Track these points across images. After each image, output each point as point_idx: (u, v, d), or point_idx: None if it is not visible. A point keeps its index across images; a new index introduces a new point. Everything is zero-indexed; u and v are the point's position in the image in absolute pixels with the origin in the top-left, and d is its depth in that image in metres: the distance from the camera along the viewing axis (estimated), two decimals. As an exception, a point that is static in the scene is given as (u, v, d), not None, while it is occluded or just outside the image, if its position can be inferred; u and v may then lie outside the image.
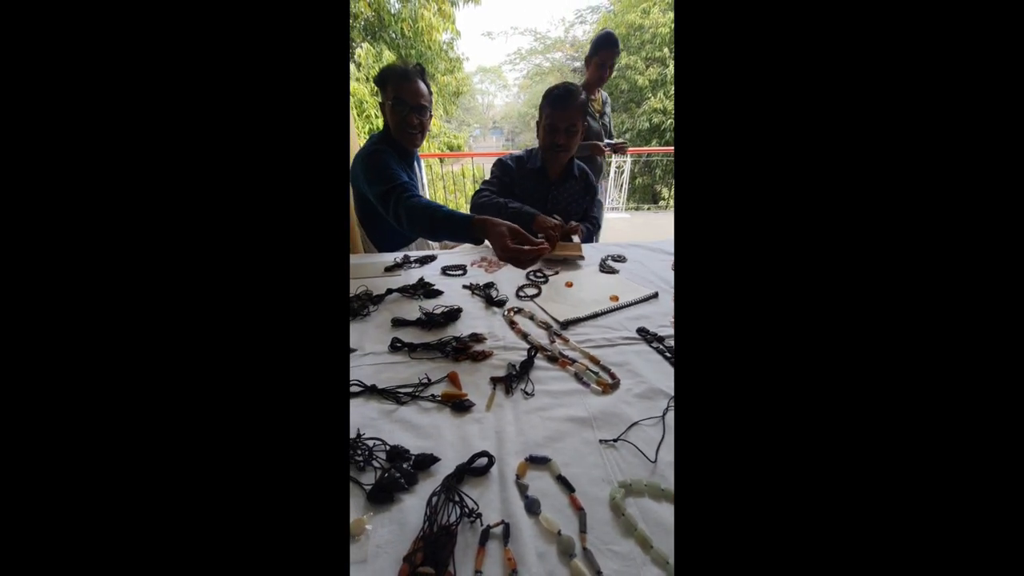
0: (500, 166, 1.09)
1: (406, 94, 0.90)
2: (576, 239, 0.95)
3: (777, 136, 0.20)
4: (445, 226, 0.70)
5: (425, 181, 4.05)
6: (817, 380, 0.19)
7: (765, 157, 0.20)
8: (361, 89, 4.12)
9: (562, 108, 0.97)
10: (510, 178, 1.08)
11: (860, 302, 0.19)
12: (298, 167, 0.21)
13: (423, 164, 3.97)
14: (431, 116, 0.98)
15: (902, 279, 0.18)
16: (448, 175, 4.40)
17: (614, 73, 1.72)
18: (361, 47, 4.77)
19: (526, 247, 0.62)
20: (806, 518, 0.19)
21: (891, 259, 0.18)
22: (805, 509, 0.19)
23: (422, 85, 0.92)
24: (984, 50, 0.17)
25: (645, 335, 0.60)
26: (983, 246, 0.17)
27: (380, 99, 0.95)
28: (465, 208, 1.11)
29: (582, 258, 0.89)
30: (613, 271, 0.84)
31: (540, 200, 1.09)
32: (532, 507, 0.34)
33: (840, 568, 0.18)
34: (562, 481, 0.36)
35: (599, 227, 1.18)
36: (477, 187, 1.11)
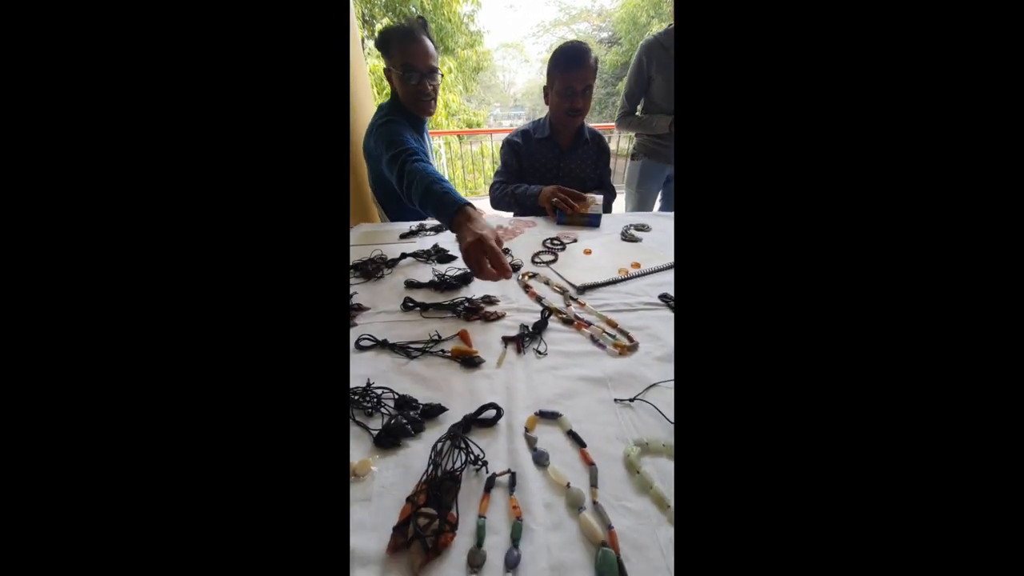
0: (508, 147, 1.05)
1: (415, 58, 0.82)
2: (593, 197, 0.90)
3: (776, 131, 0.19)
4: (431, 202, 0.61)
5: (444, 159, 3.99)
6: (817, 366, 0.18)
7: (764, 152, 0.19)
8: (380, 66, 4.07)
9: (577, 68, 0.90)
10: (519, 156, 1.03)
11: (859, 297, 0.17)
12: (297, 145, 0.20)
13: (441, 140, 3.90)
14: (442, 75, 0.92)
15: (900, 263, 0.17)
16: (467, 154, 4.33)
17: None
18: (381, 23, 4.68)
19: (489, 267, 0.50)
20: (807, 497, 0.17)
21: (888, 247, 0.17)
22: (807, 487, 0.17)
23: (428, 44, 0.84)
24: (984, 50, 0.16)
25: (669, 302, 0.57)
26: (983, 254, 0.16)
27: (384, 65, 0.88)
28: (482, 190, 1.08)
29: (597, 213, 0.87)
30: (635, 239, 0.80)
31: (552, 170, 1.04)
32: (540, 459, 0.32)
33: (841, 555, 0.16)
34: (573, 437, 0.35)
35: (615, 195, 1.12)
36: (496, 167, 1.08)
